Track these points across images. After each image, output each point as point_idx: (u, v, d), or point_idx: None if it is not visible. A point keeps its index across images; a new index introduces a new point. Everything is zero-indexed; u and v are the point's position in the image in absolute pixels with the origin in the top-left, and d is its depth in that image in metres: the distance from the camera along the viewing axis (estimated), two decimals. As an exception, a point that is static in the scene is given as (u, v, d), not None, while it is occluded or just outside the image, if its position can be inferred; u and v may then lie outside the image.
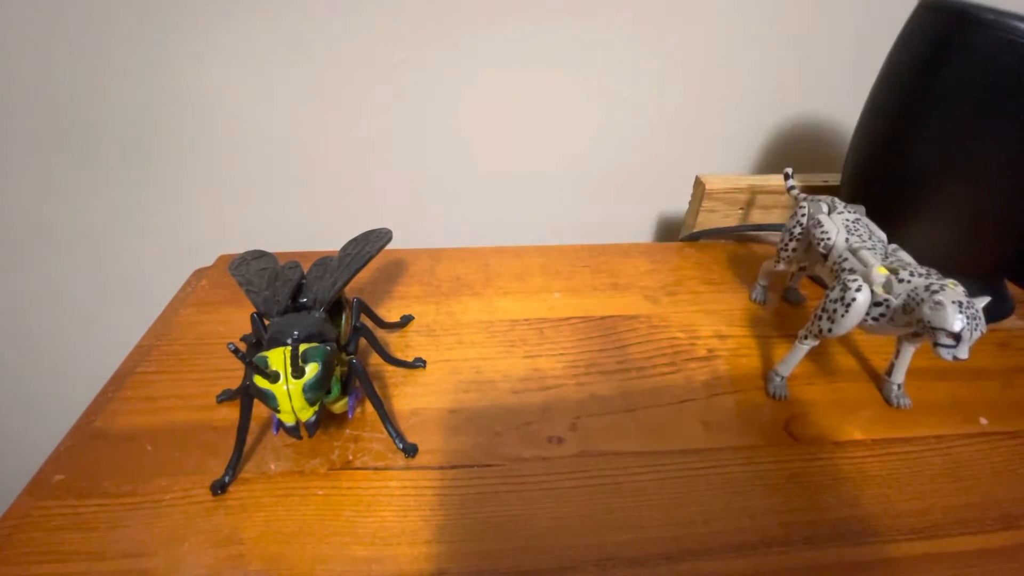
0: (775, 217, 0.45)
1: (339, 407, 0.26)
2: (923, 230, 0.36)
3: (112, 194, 0.47)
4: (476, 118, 0.47)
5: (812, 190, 0.44)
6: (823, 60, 0.47)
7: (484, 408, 0.29)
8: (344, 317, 0.29)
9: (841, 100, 0.49)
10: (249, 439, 0.27)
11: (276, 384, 0.22)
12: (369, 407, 0.29)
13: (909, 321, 0.24)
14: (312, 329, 0.25)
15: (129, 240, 0.50)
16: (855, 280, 0.26)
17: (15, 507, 0.24)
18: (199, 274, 0.40)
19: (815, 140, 0.51)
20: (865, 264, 0.27)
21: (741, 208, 0.44)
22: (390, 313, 0.36)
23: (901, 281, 0.25)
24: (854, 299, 0.25)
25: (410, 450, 0.26)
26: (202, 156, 0.46)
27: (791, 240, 0.33)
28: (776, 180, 0.44)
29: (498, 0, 0.42)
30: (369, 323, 0.33)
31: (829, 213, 0.31)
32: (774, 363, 0.32)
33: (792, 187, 0.36)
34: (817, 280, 0.41)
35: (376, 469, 0.26)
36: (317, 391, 0.22)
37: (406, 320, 0.35)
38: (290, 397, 0.22)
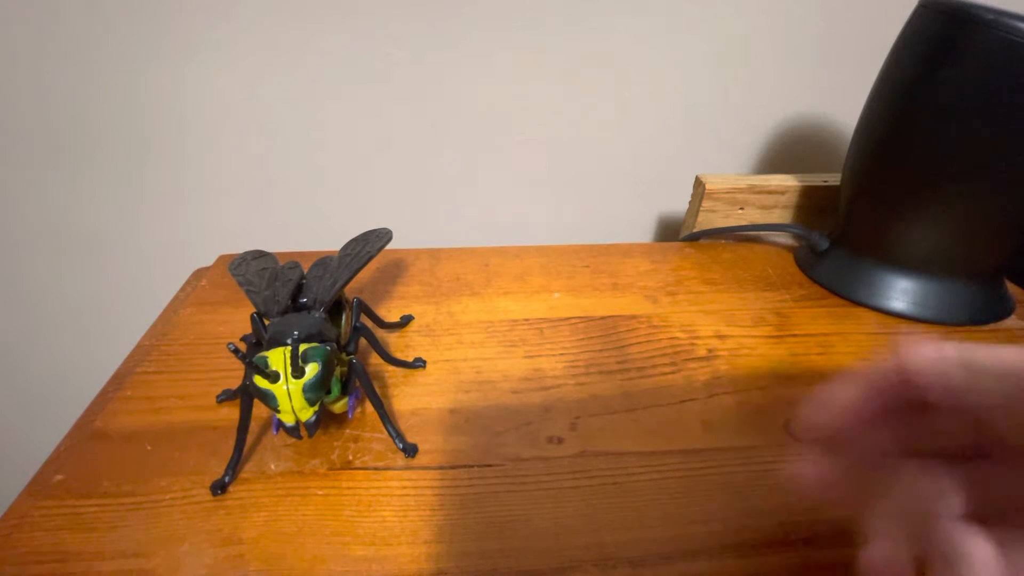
0: (775, 217, 0.45)
1: (339, 407, 0.26)
2: (923, 230, 0.36)
3: (112, 194, 0.47)
4: (476, 118, 0.47)
5: (812, 190, 0.44)
6: (823, 60, 0.47)
7: (484, 408, 0.29)
8: (344, 317, 0.29)
9: (841, 100, 0.49)
10: (249, 439, 0.27)
11: (276, 384, 0.22)
12: (369, 407, 0.29)
13: None
14: (312, 329, 0.25)
15: (129, 240, 0.50)
16: None
17: (15, 507, 0.24)
18: (199, 274, 0.40)
19: (815, 140, 0.51)
20: None
21: (741, 208, 0.44)
22: (390, 313, 0.36)
23: None
24: None
25: (410, 450, 0.26)
26: (202, 156, 0.46)
27: None
28: (776, 180, 0.44)
29: (498, 2, 0.42)
30: (369, 323, 0.33)
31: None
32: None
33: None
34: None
35: (376, 469, 0.26)
36: (317, 391, 0.22)
37: (406, 320, 0.35)
38: (290, 397, 0.22)
